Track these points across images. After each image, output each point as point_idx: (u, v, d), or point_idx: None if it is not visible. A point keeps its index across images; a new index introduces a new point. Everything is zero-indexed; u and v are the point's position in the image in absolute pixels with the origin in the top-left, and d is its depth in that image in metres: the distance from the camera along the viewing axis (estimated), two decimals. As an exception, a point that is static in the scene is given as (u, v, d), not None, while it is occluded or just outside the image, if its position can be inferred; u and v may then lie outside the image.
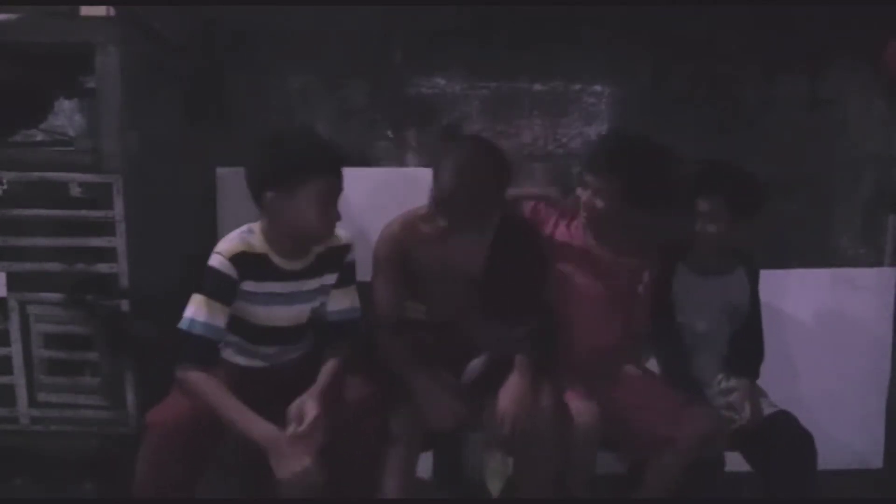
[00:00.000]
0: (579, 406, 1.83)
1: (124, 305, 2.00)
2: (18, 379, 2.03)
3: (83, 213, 1.99)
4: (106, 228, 1.98)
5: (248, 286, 1.66)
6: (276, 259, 1.68)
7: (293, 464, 1.48)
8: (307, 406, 1.56)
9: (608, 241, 1.98)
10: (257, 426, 1.51)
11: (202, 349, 1.59)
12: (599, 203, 1.89)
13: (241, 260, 1.63)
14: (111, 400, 2.02)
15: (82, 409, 2.04)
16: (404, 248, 1.85)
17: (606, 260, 1.98)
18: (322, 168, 1.61)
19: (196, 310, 1.60)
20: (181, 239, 2.18)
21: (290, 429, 1.52)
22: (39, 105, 2.31)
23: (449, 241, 1.81)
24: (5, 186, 1.97)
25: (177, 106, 2.34)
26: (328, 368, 1.69)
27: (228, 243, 1.64)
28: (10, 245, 1.99)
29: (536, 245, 1.95)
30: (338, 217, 1.67)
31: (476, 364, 1.84)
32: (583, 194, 1.92)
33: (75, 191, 2.01)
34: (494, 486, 1.79)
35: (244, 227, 1.69)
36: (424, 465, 2.29)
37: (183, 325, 1.60)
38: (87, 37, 1.93)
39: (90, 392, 2.04)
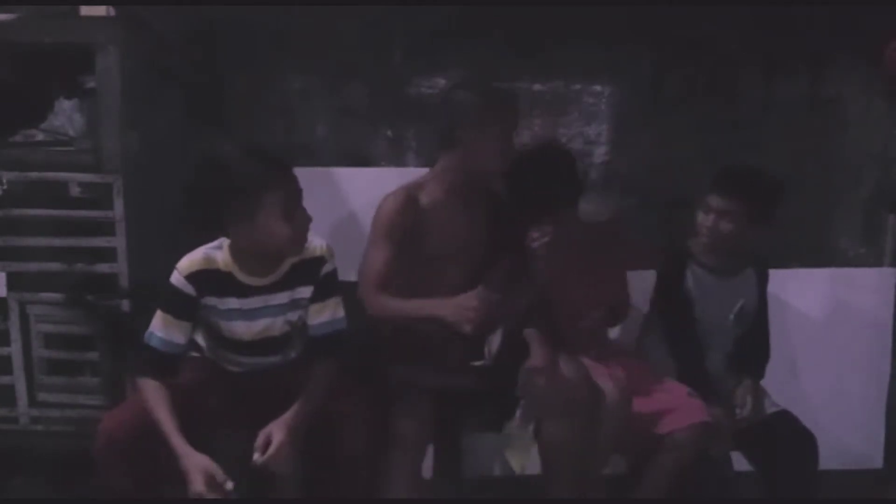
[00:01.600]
0: (608, 382, 1.84)
1: (124, 305, 2.00)
2: (18, 379, 2.03)
3: (83, 213, 2.00)
4: (106, 228, 1.98)
5: (210, 301, 1.65)
6: (242, 276, 1.65)
7: (193, 486, 1.49)
8: (275, 435, 1.54)
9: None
10: (181, 448, 1.52)
11: (157, 361, 1.62)
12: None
13: (199, 277, 1.62)
14: (111, 400, 2.02)
15: (82, 409, 2.04)
16: (404, 218, 1.82)
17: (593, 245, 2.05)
18: (269, 184, 1.54)
19: (155, 324, 1.63)
20: (181, 239, 2.18)
21: (255, 456, 1.53)
22: (39, 105, 2.31)
23: (452, 212, 1.84)
24: (5, 186, 1.97)
25: (177, 106, 2.33)
26: (304, 394, 1.63)
27: (189, 260, 1.64)
28: (10, 245, 1.99)
29: (511, 214, 1.99)
30: (307, 220, 1.63)
31: (495, 341, 1.84)
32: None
33: (75, 191, 2.01)
34: (520, 460, 1.77)
35: (215, 242, 1.66)
36: (425, 464, 2.30)
37: (145, 336, 1.63)
38: (87, 37, 1.93)
39: (90, 392, 2.04)
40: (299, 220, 1.60)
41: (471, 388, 1.82)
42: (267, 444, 1.54)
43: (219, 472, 1.50)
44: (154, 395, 1.57)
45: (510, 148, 1.87)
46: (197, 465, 1.49)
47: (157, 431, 1.54)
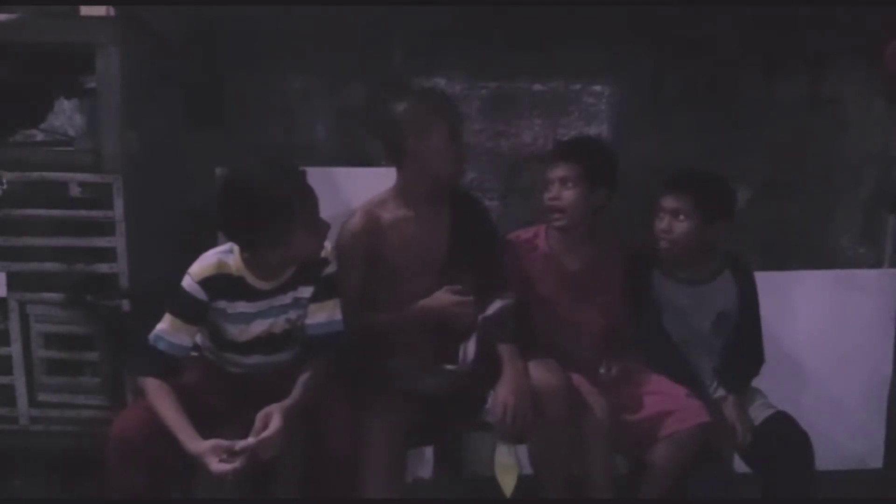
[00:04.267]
0: (592, 399, 1.84)
1: (124, 305, 2.00)
2: (18, 379, 2.03)
3: (83, 213, 2.00)
4: (106, 228, 1.98)
5: (220, 304, 1.66)
6: (252, 280, 1.66)
7: (211, 468, 1.50)
8: (273, 418, 1.55)
9: (574, 248, 2.03)
10: (190, 440, 1.52)
11: (162, 363, 1.62)
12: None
13: (212, 282, 1.63)
14: (111, 400, 2.02)
15: (82, 409, 2.04)
16: (369, 240, 1.83)
17: (575, 265, 2.03)
18: (293, 205, 1.56)
19: (163, 327, 1.63)
20: (181, 239, 2.18)
21: (251, 437, 1.52)
22: (39, 105, 2.31)
23: (415, 225, 1.84)
24: (5, 186, 1.97)
25: (177, 106, 2.34)
26: (300, 383, 1.64)
27: (201, 265, 1.64)
28: (10, 245, 1.99)
29: (488, 219, 2.00)
30: (327, 227, 1.65)
31: (469, 347, 1.84)
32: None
33: (75, 191, 2.01)
34: (506, 482, 1.77)
35: (226, 246, 1.67)
36: (424, 464, 2.30)
37: (151, 337, 1.63)
38: (87, 37, 1.94)
39: (90, 392, 2.04)
40: (321, 232, 1.64)
41: (447, 391, 1.82)
42: (264, 427, 1.54)
43: (227, 443, 1.51)
44: (159, 392, 1.58)
45: (462, 147, 1.86)
46: (207, 448, 1.50)
47: (167, 429, 1.54)
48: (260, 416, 1.55)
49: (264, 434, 1.52)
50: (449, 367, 1.84)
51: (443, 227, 1.88)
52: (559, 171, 1.96)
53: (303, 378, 1.66)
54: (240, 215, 1.57)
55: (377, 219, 1.84)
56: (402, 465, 1.80)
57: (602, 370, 1.99)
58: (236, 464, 1.49)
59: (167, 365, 1.63)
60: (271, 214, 1.54)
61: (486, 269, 1.89)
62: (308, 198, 1.61)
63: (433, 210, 1.87)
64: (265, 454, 1.53)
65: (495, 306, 1.84)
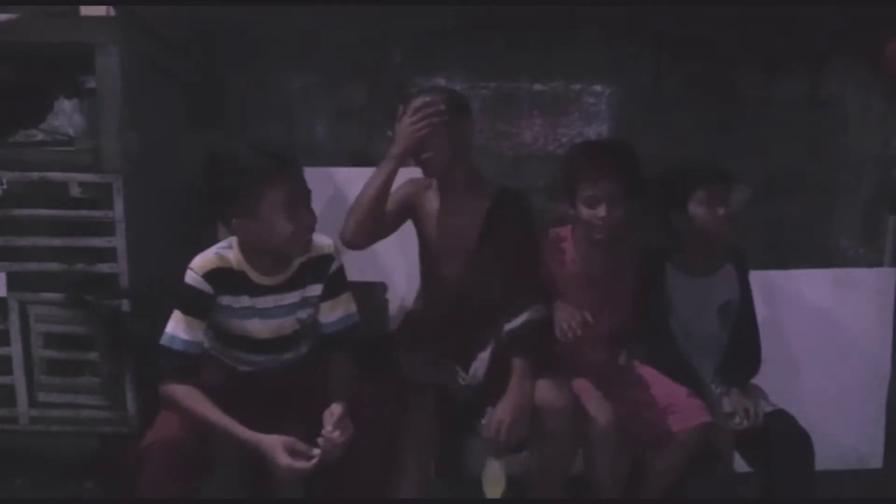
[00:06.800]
0: (595, 406, 1.83)
1: (124, 305, 2.00)
2: (18, 379, 2.03)
3: (83, 213, 2.00)
4: (106, 228, 1.98)
5: (225, 300, 1.66)
6: (254, 275, 1.66)
7: (281, 461, 1.51)
8: (346, 424, 1.58)
9: (600, 252, 2.00)
10: (248, 434, 1.54)
11: (182, 364, 1.62)
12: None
13: (215, 276, 1.63)
14: (111, 400, 2.02)
15: (82, 409, 2.04)
16: (408, 193, 1.95)
17: (598, 269, 2.00)
18: (272, 179, 1.56)
19: (175, 325, 1.62)
20: (181, 239, 2.18)
21: (327, 430, 1.55)
22: (39, 105, 2.31)
23: (448, 206, 1.90)
24: (5, 186, 1.97)
25: (177, 106, 2.34)
26: (337, 384, 1.65)
27: (203, 259, 1.65)
28: (10, 245, 1.99)
29: (528, 224, 1.94)
30: (313, 220, 1.64)
31: (483, 358, 1.84)
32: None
33: (75, 191, 2.01)
34: (493, 493, 1.79)
35: (224, 242, 1.68)
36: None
37: (164, 340, 1.63)
38: (87, 37, 1.94)
39: (90, 392, 2.04)
40: (304, 219, 1.61)
41: (459, 394, 1.84)
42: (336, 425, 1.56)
43: (299, 443, 1.53)
44: (191, 396, 1.58)
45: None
46: (275, 443, 1.52)
47: (204, 432, 1.55)
48: (330, 417, 1.57)
49: (343, 436, 1.55)
50: (461, 376, 1.86)
51: (476, 217, 1.89)
52: (609, 188, 1.86)
53: (337, 378, 1.67)
54: (215, 180, 1.58)
55: (419, 186, 1.96)
56: (430, 464, 1.84)
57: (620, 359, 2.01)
58: (309, 464, 1.51)
59: (188, 366, 1.62)
60: (242, 183, 1.55)
61: (516, 276, 1.85)
62: (288, 183, 1.59)
63: (467, 200, 1.90)
64: (334, 455, 1.55)
65: (521, 319, 1.80)
